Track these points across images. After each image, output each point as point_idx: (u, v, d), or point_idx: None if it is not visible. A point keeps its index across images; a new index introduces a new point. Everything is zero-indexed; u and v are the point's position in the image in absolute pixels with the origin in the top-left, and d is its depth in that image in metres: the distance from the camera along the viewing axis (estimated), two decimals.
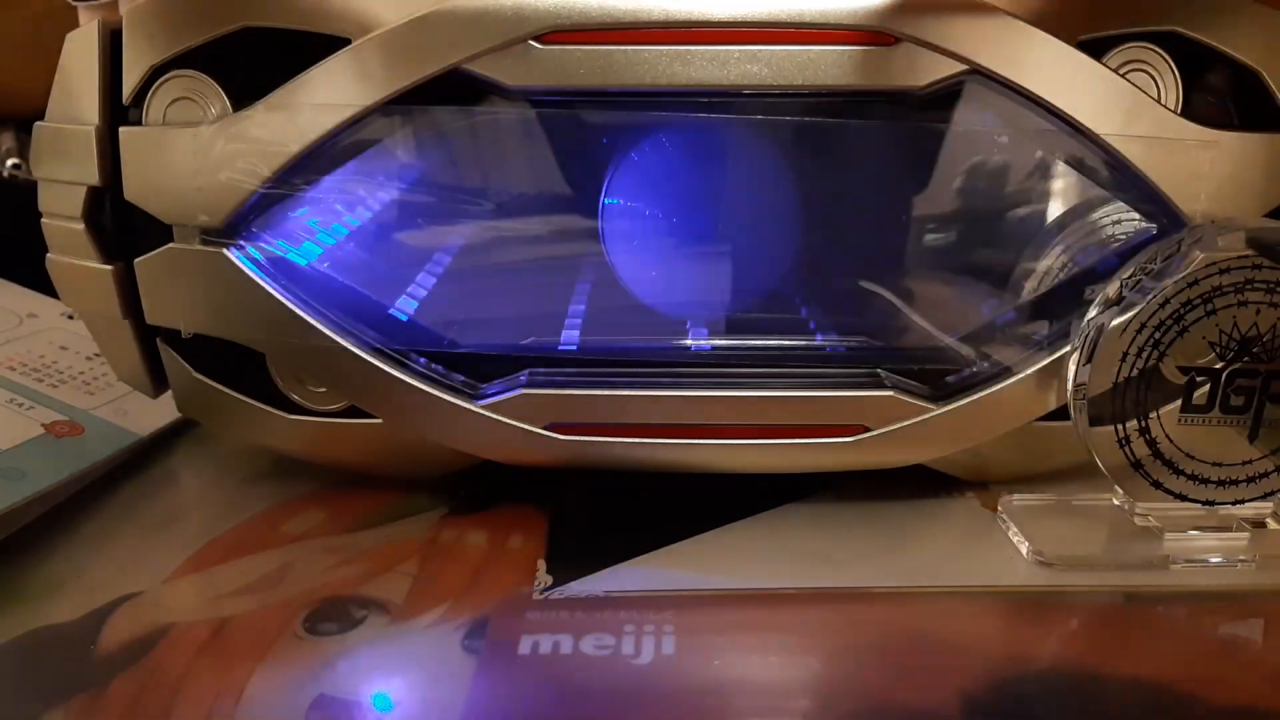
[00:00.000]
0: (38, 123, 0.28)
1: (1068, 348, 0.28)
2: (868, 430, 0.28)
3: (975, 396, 0.28)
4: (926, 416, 0.28)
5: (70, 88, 0.28)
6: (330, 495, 0.32)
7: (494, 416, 0.28)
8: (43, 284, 0.42)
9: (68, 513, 0.30)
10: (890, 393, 0.28)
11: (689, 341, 0.30)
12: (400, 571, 0.27)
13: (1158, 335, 0.27)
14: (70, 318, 0.41)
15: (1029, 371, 0.28)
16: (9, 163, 0.47)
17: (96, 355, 0.38)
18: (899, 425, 0.28)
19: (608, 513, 0.31)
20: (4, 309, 0.41)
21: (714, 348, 0.29)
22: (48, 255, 0.29)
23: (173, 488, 0.33)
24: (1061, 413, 0.28)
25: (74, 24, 0.31)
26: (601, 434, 0.28)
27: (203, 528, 0.30)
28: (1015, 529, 0.29)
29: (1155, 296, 0.26)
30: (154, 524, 0.30)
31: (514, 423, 0.28)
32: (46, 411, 0.33)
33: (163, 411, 0.36)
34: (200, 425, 0.36)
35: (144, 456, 0.34)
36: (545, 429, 0.28)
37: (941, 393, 0.29)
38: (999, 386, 0.28)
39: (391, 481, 0.32)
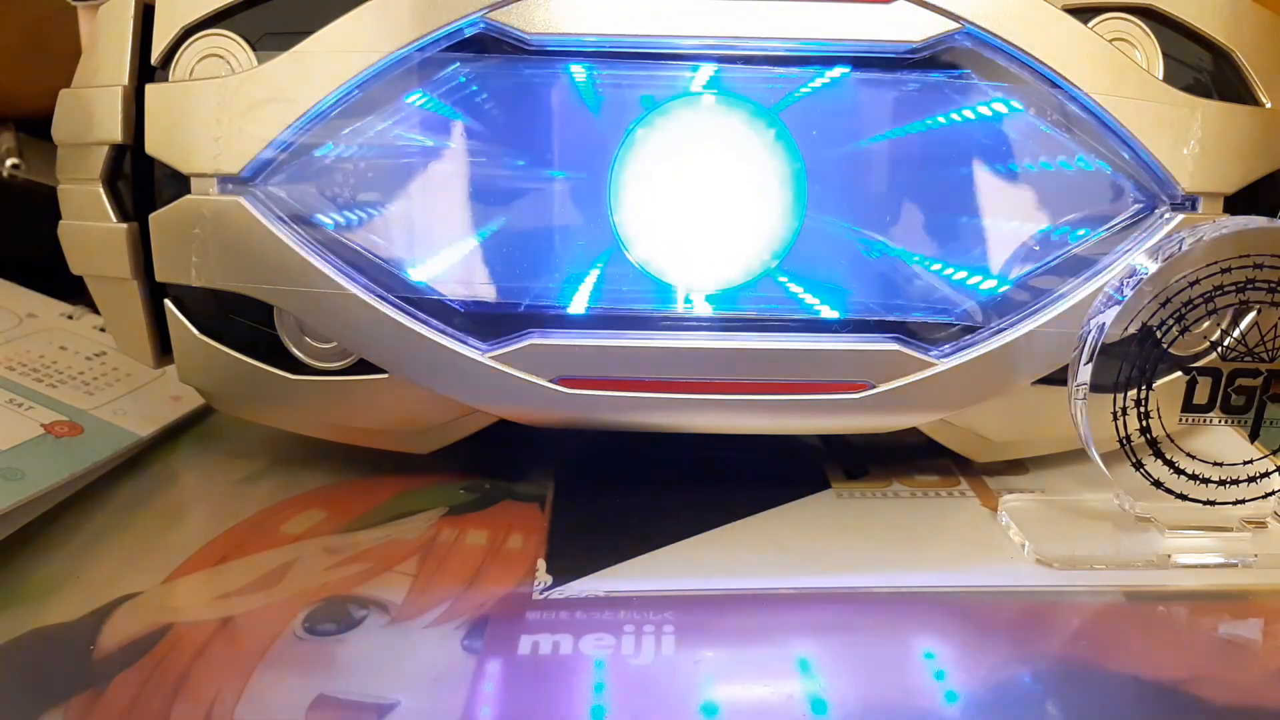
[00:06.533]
0: (63, 90, 0.29)
1: (1069, 305, 0.28)
2: (872, 386, 0.29)
3: (979, 352, 0.29)
4: (931, 372, 0.29)
5: (99, 54, 0.29)
6: (330, 495, 0.32)
7: (502, 368, 0.28)
8: (43, 284, 0.42)
9: (68, 513, 0.30)
10: (895, 347, 0.29)
11: (693, 304, 0.30)
12: (400, 571, 0.27)
13: (1159, 334, 0.27)
14: (69, 318, 0.41)
15: (1030, 329, 0.29)
16: (9, 163, 0.46)
17: (96, 355, 0.38)
18: (903, 381, 0.29)
19: (608, 513, 0.31)
20: (3, 309, 0.41)
21: (718, 311, 0.30)
22: (60, 222, 0.30)
23: (173, 488, 0.33)
24: (1060, 376, 0.29)
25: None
26: (609, 388, 0.29)
27: (203, 528, 0.30)
28: (1015, 529, 0.29)
29: (1156, 295, 0.26)
30: (154, 524, 0.30)
31: (522, 375, 0.28)
32: (46, 411, 0.33)
33: (162, 411, 0.36)
34: (200, 425, 0.36)
35: (143, 456, 0.34)
36: (553, 382, 0.28)
37: (945, 349, 0.29)
38: (1002, 343, 0.29)
39: (391, 480, 0.32)
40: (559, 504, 0.31)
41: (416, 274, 0.29)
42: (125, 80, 0.28)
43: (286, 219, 0.28)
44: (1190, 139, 0.28)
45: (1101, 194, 0.29)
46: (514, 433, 0.31)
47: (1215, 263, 0.26)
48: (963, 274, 0.30)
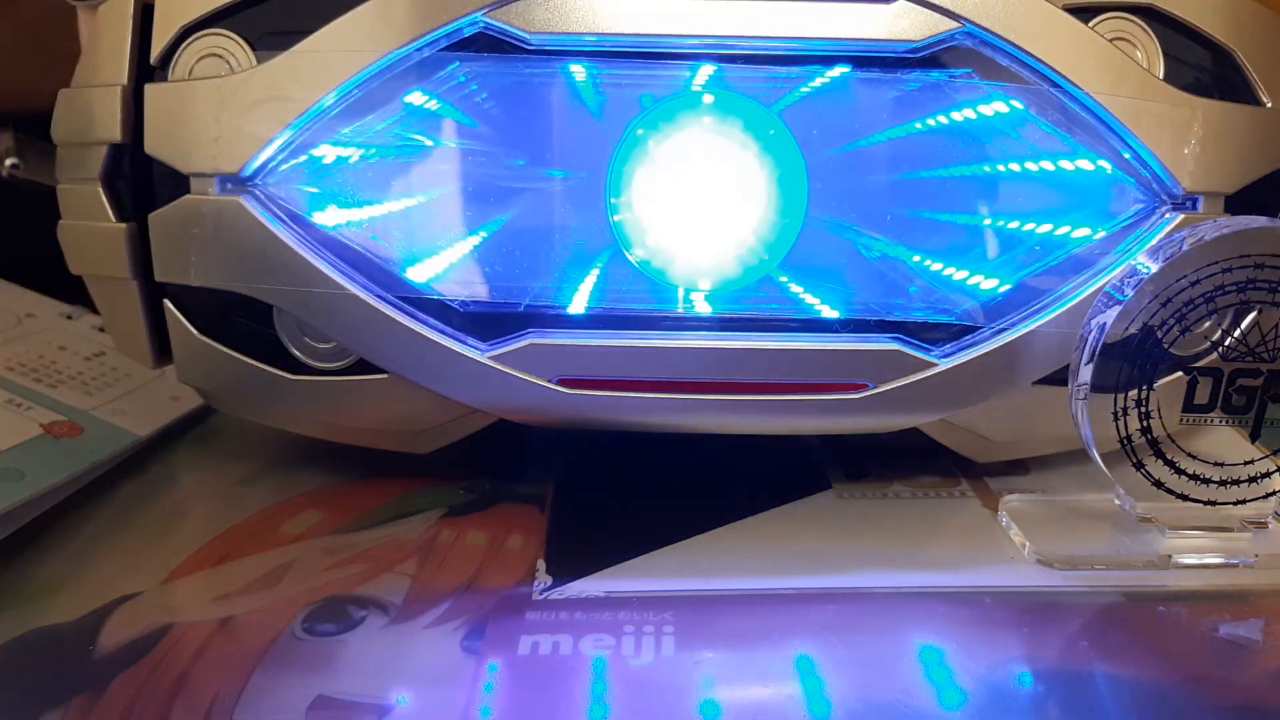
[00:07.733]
0: (63, 90, 0.29)
1: (1069, 305, 0.28)
2: (872, 387, 0.29)
3: (979, 352, 0.29)
4: (931, 373, 0.29)
5: (99, 54, 0.29)
6: (330, 495, 0.32)
7: (502, 368, 0.28)
8: (42, 284, 0.42)
9: (67, 513, 0.30)
10: (895, 347, 0.29)
11: (693, 304, 0.30)
12: (400, 571, 0.27)
13: (1160, 334, 0.27)
14: (69, 318, 0.41)
15: (1031, 329, 0.29)
16: (8, 163, 0.46)
17: (95, 355, 0.38)
18: (903, 382, 0.29)
19: (608, 513, 0.31)
20: (2, 309, 0.41)
21: (718, 311, 0.30)
22: (59, 222, 0.30)
23: (172, 488, 0.33)
24: (1061, 376, 0.28)
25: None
26: (609, 388, 0.29)
27: (202, 528, 0.30)
28: (1015, 529, 0.29)
29: (1157, 295, 0.26)
30: (153, 524, 0.30)
31: (522, 375, 0.28)
32: (45, 412, 0.33)
33: (162, 411, 0.36)
34: (200, 425, 0.36)
35: (143, 456, 0.34)
36: (553, 382, 0.28)
37: (946, 349, 0.29)
38: (1002, 343, 0.29)
39: (391, 480, 0.32)
40: (559, 504, 0.31)
41: (416, 274, 0.29)
42: (125, 80, 0.28)
43: (286, 219, 0.28)
44: (1191, 138, 0.28)
45: (1102, 194, 0.29)
46: (513, 433, 0.31)
47: (1216, 262, 0.26)
48: (963, 274, 0.30)
